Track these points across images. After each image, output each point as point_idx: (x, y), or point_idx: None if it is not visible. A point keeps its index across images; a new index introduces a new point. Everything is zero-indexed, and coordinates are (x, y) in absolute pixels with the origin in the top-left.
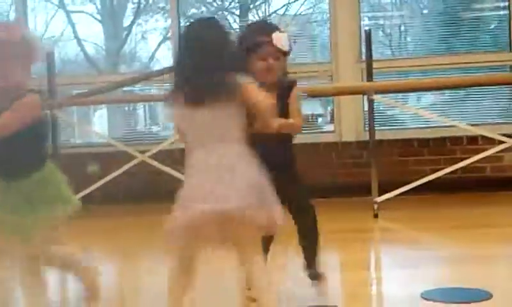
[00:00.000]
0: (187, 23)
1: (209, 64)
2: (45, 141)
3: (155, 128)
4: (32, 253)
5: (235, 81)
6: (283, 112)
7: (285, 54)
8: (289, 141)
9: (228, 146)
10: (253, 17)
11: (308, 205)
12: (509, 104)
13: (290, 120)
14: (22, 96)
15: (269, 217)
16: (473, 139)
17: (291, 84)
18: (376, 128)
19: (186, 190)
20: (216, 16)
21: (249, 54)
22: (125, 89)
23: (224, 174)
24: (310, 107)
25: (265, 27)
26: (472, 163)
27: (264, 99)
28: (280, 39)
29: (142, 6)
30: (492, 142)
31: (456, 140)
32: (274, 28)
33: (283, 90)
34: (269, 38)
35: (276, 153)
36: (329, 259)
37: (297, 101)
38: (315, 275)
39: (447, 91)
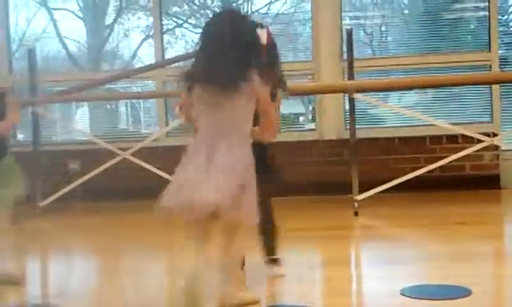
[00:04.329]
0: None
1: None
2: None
3: (136, 126)
4: None
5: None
6: None
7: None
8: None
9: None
10: None
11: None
12: (489, 103)
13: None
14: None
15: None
16: (453, 138)
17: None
18: (356, 126)
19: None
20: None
21: None
22: (107, 86)
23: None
24: (291, 106)
25: None
26: (451, 161)
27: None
28: None
29: (124, 3)
30: (472, 141)
31: (436, 139)
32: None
33: None
34: None
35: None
36: (309, 256)
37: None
38: (271, 261)
39: (428, 91)
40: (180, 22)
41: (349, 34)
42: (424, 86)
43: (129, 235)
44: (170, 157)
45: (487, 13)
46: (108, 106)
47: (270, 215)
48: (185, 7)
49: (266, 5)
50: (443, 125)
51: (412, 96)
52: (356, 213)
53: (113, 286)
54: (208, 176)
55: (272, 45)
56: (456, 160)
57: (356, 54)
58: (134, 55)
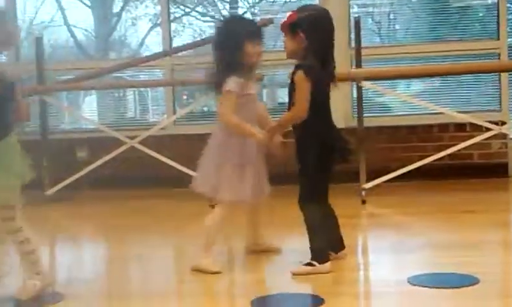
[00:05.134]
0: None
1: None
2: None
3: (144, 114)
4: None
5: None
6: (290, 98)
7: (284, 28)
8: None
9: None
10: (242, 4)
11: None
12: (497, 92)
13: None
14: None
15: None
16: (461, 126)
17: (296, 69)
18: (364, 115)
19: None
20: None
21: None
22: (114, 75)
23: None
24: None
25: None
26: (459, 150)
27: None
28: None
29: None
30: (479, 129)
31: (444, 127)
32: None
33: (292, 74)
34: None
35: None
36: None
37: (300, 86)
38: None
39: (435, 79)
40: (187, 10)
41: (357, 22)
42: (432, 75)
43: (137, 222)
44: (178, 145)
45: (496, 0)
46: (116, 94)
47: (316, 199)
48: None
49: None
50: (451, 113)
51: (419, 85)
52: (363, 202)
53: (121, 274)
54: None
55: (290, 29)
56: (463, 149)
57: (364, 42)
58: (141, 44)
